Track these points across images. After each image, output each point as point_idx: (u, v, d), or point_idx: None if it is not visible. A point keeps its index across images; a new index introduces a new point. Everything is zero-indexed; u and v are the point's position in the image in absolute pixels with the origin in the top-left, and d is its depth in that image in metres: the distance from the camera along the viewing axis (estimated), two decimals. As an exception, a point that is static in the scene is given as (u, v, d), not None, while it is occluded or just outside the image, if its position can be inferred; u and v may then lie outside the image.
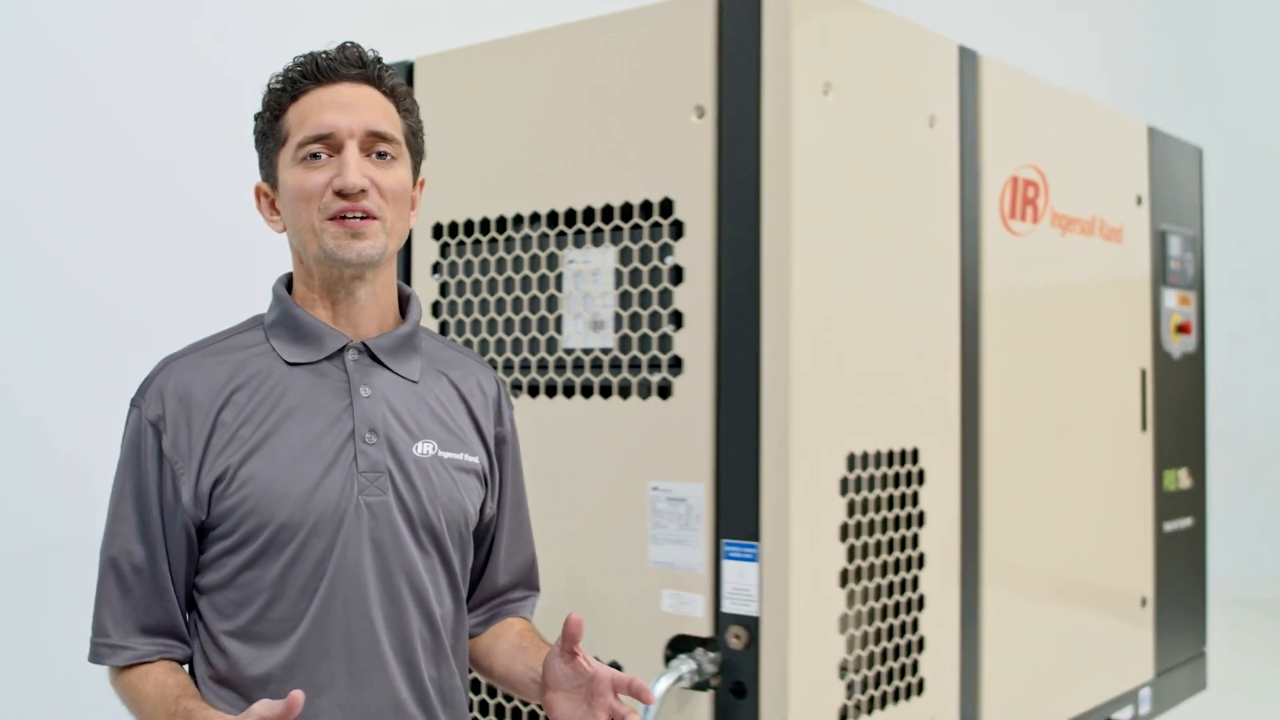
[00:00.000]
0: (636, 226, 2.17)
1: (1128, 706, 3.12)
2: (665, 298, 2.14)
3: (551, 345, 2.29)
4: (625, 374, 2.18)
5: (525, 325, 2.33)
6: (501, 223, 2.37)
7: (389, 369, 1.75)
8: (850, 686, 2.14)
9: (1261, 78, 8.93)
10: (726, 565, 2.05)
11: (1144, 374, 3.20)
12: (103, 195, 3.93)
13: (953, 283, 2.43)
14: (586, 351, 2.24)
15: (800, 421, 2.02)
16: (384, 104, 1.72)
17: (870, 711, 2.19)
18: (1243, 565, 7.92)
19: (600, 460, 2.21)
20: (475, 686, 2.35)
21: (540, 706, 2.25)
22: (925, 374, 2.36)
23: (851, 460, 2.14)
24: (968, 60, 2.49)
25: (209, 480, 1.64)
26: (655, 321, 2.15)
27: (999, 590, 2.55)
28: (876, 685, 2.21)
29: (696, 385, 2.09)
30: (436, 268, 2.46)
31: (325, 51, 1.71)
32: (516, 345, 2.34)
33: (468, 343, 2.40)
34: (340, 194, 1.65)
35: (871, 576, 2.19)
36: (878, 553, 2.20)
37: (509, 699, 2.33)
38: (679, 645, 2.11)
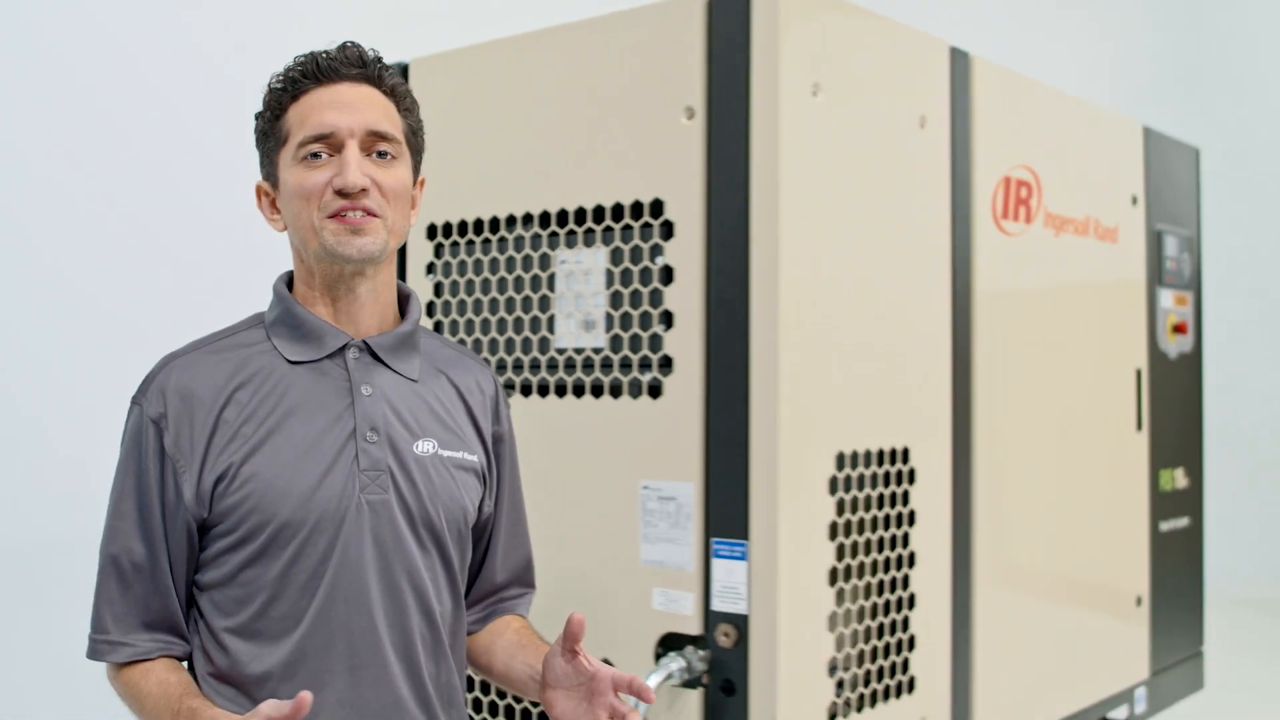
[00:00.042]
0: (627, 227, 2.18)
1: (1123, 705, 3.12)
2: (656, 298, 2.15)
3: (544, 345, 2.30)
4: (616, 373, 2.19)
5: (518, 325, 2.34)
6: (495, 223, 2.38)
7: (389, 368, 1.76)
8: (840, 684, 2.15)
9: (1264, 77, 8.92)
10: (716, 564, 2.06)
11: (1139, 374, 3.20)
12: (103, 195, 3.93)
13: (943, 282, 2.44)
14: (578, 351, 2.25)
15: (789, 421, 2.03)
16: (384, 103, 1.73)
17: (860, 709, 2.19)
18: (1242, 565, 7.92)
19: (592, 459, 2.22)
20: (470, 684, 2.36)
21: (533, 703, 2.28)
22: (916, 374, 2.36)
23: (841, 459, 2.15)
24: (959, 61, 2.49)
25: (211, 478, 1.64)
26: (646, 321, 2.16)
27: (991, 589, 2.56)
28: (866, 683, 2.22)
29: (686, 385, 2.10)
30: (431, 268, 2.48)
31: (326, 51, 1.72)
32: (509, 345, 2.35)
33: (462, 342, 2.41)
34: (341, 193, 1.66)
35: (861, 575, 2.20)
36: (867, 551, 2.21)
37: (502, 695, 2.34)
38: (669, 643, 2.12)
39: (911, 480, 2.32)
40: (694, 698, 2.09)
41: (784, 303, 2.02)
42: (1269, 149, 8.74)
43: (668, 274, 2.13)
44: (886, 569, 2.26)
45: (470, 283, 2.41)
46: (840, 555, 2.15)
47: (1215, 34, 9.11)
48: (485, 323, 2.39)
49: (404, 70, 2.51)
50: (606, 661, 2.15)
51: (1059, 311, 2.87)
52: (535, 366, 2.31)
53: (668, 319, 2.13)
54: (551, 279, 2.29)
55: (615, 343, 2.20)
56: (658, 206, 2.15)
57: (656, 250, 2.15)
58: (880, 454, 2.25)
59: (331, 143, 1.68)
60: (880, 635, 2.25)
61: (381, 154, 1.71)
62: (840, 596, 2.15)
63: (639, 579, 2.15)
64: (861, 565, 2.20)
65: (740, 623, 2.04)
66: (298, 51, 1.74)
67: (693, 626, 2.09)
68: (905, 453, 2.31)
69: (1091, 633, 2.97)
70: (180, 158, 4.11)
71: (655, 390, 2.14)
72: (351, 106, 1.69)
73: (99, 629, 1.69)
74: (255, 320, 1.79)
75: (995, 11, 7.78)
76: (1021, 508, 2.70)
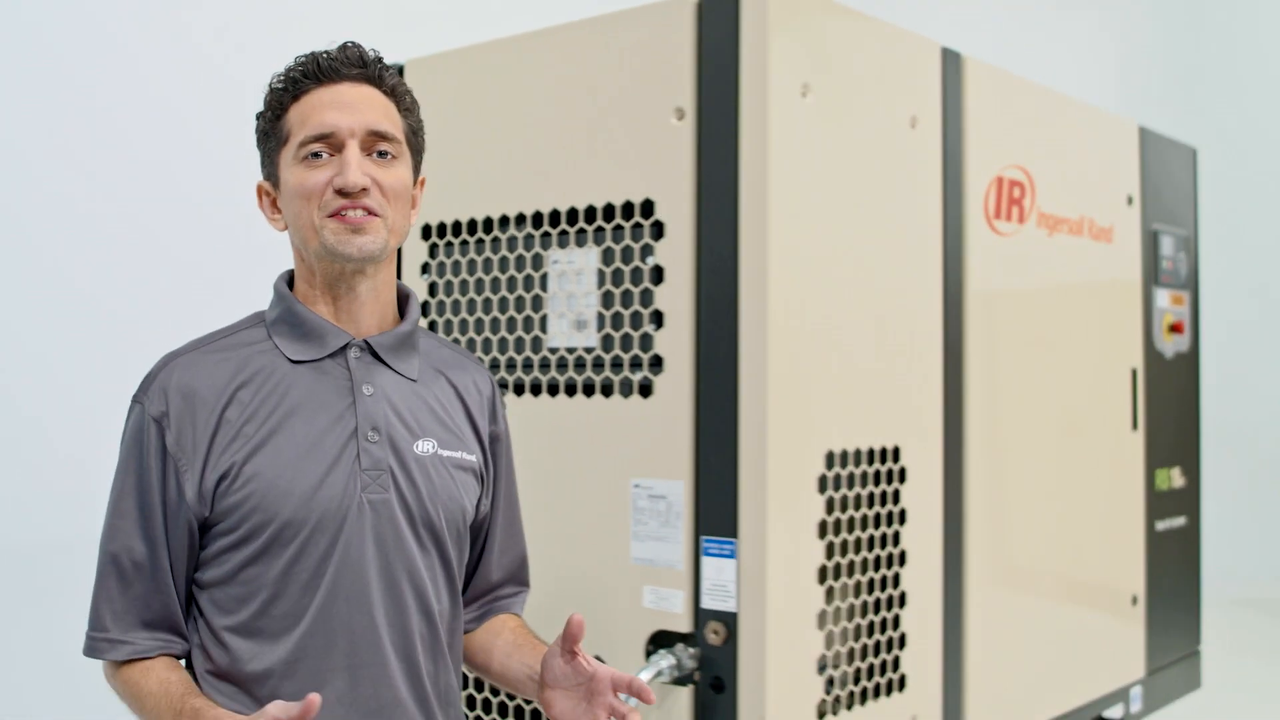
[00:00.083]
0: (619, 227, 2.19)
1: (1118, 704, 3.13)
2: (646, 297, 2.16)
3: (537, 344, 2.31)
4: (608, 373, 2.21)
5: (511, 325, 2.35)
6: (488, 224, 2.39)
7: (390, 367, 1.77)
8: (830, 682, 2.16)
9: (1265, 76, 8.92)
10: (705, 561, 2.07)
11: (1134, 373, 3.21)
12: (103, 195, 3.94)
13: (935, 282, 2.45)
14: (570, 350, 2.26)
15: (777, 420, 2.04)
16: (385, 103, 1.74)
17: (850, 707, 2.20)
18: (1242, 565, 7.91)
19: (583, 458, 2.24)
20: (465, 682, 2.37)
21: (525, 700, 2.29)
22: (907, 373, 2.37)
23: (831, 458, 2.16)
24: (951, 62, 2.50)
25: (213, 477, 1.65)
26: (637, 321, 2.17)
27: (984, 587, 2.57)
28: (856, 681, 2.22)
29: (677, 384, 2.11)
30: (425, 268, 2.49)
31: (326, 51, 1.73)
32: (503, 344, 2.36)
33: (457, 341, 2.42)
34: (341, 192, 1.67)
35: (851, 573, 2.21)
36: (857, 550, 2.22)
37: (496, 692, 2.35)
38: (660, 641, 2.13)
39: (902, 479, 2.33)
40: (684, 695, 2.10)
41: (773, 302, 2.03)
42: (1270, 148, 8.74)
43: (658, 274, 2.14)
44: (877, 567, 2.27)
45: (464, 282, 2.42)
46: (830, 553, 2.15)
47: (1215, 34, 9.10)
48: (479, 322, 2.40)
49: (399, 71, 2.52)
50: (599, 659, 2.16)
51: (1053, 311, 2.87)
52: (528, 366, 2.33)
53: (658, 319, 2.14)
54: (544, 279, 2.30)
55: (607, 342, 2.21)
56: (648, 207, 2.16)
57: (647, 250, 2.16)
58: (871, 453, 2.26)
59: (332, 142, 1.69)
60: (870, 633, 2.26)
61: (382, 154, 1.72)
62: (830, 594, 2.16)
63: (630, 577, 2.16)
64: (851, 563, 2.21)
65: (729, 620, 2.05)
66: (297, 52, 1.75)
67: (683, 624, 2.10)
68: (896, 452, 2.32)
69: (1086, 632, 2.97)
70: (180, 158, 4.12)
71: (646, 389, 2.15)
72: (352, 106, 1.70)
73: (98, 626, 1.69)
74: (256, 319, 1.79)
75: (995, 12, 7.78)
76: (1015, 507, 2.71)
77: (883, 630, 2.29)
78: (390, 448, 1.71)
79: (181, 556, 1.69)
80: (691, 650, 2.08)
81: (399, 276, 2.50)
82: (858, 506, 2.22)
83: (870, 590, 2.26)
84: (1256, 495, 8.42)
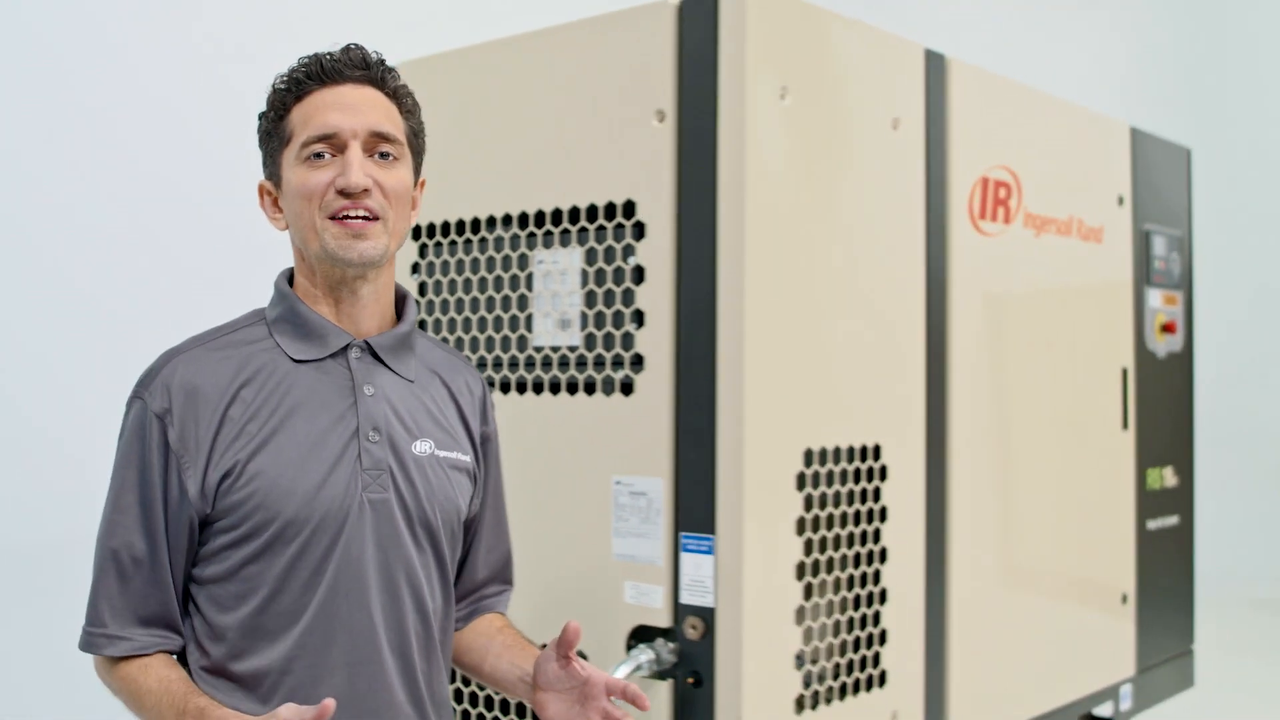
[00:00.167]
0: (601, 228, 2.22)
1: (1108, 702, 3.14)
2: (628, 297, 2.18)
3: (522, 343, 2.34)
4: (591, 371, 2.23)
5: (498, 324, 2.37)
6: (476, 224, 2.41)
7: (389, 368, 1.78)
8: (808, 677, 2.18)
9: (1264, 77, 8.90)
10: (684, 557, 2.09)
11: (1125, 373, 3.22)
12: (103, 196, 3.94)
13: (918, 281, 2.47)
14: (555, 349, 2.28)
15: (754, 418, 2.06)
16: (386, 105, 1.75)
17: (829, 702, 2.22)
18: (1239, 564, 7.89)
19: (566, 455, 2.26)
20: (452, 676, 2.39)
21: (507, 699, 2.31)
22: (888, 372, 2.39)
23: (809, 456, 2.18)
24: (934, 64, 2.52)
25: (216, 475, 1.66)
26: (619, 320, 2.19)
27: (967, 585, 2.58)
28: (836, 676, 2.24)
29: (657, 382, 2.13)
30: (415, 267, 2.51)
31: (329, 53, 1.74)
32: (490, 343, 2.38)
33: (446, 340, 2.45)
34: (343, 193, 1.68)
35: (830, 570, 2.22)
36: (837, 547, 2.24)
37: (482, 688, 2.37)
38: (640, 635, 2.15)
39: (883, 477, 2.35)
40: (664, 689, 2.12)
41: (749, 302, 2.05)
42: (1268, 148, 8.72)
43: (640, 274, 2.16)
44: (857, 564, 2.29)
45: (453, 282, 2.45)
46: (809, 550, 2.17)
47: (1216, 33, 9.09)
48: (467, 321, 2.42)
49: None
50: (581, 654, 2.18)
51: (1040, 311, 2.88)
52: (514, 364, 2.35)
53: (639, 318, 2.16)
54: (529, 278, 2.32)
55: (590, 341, 2.23)
56: (630, 208, 2.18)
57: (629, 250, 2.18)
58: (851, 451, 2.28)
59: (334, 143, 1.70)
60: (850, 629, 2.27)
61: (384, 155, 1.73)
62: (809, 591, 2.17)
63: (611, 572, 2.18)
64: (831, 560, 2.22)
65: (707, 615, 2.07)
66: (298, 53, 1.76)
67: (662, 619, 2.12)
68: (877, 450, 2.34)
69: (1074, 629, 2.98)
70: (180, 158, 4.11)
71: (627, 387, 2.18)
72: (354, 108, 1.71)
73: (96, 622, 1.69)
74: (256, 316, 1.80)
75: (995, 12, 7.78)
76: (1002, 505, 2.72)
77: (863, 626, 2.30)
78: (390, 448, 1.73)
79: (180, 553, 1.69)
80: (671, 645, 2.10)
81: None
82: (837, 504, 2.24)
83: (850, 587, 2.27)
84: (1253, 495, 8.40)
